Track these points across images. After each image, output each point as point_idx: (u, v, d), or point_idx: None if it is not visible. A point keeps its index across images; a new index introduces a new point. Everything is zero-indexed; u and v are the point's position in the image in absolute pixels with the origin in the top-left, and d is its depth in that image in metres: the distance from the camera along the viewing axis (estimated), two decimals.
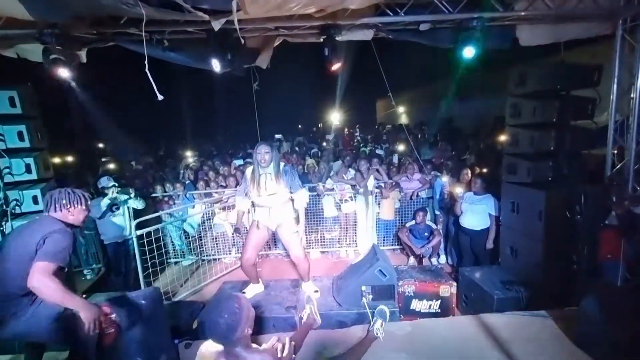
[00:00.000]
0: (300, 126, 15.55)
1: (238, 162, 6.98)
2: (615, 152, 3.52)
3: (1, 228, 3.14)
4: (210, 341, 1.55)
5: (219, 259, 5.37)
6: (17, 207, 3.23)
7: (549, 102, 3.33)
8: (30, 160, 3.30)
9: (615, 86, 3.39)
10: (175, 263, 5.38)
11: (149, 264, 3.93)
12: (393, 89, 4.74)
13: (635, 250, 2.99)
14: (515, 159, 3.61)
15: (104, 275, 4.90)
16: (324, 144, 9.07)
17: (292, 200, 3.12)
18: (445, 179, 4.90)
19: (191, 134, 14.11)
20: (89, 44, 3.47)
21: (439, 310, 3.35)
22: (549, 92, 3.37)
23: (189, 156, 9.00)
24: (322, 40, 3.40)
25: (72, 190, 2.15)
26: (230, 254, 5.40)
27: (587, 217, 3.17)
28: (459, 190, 4.29)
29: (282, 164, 3.03)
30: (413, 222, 4.80)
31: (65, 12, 2.51)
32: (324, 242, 5.47)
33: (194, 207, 5.23)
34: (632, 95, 3.30)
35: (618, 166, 3.48)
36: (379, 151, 7.37)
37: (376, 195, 5.07)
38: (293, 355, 1.64)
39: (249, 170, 3.07)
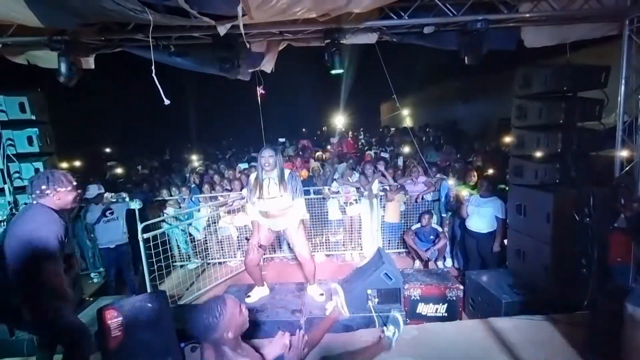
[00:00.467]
0: (304, 129, 15.60)
1: (243, 165, 7.03)
2: (624, 153, 3.48)
3: None
4: None
5: (224, 262, 5.38)
6: None
7: (555, 103, 3.31)
8: (39, 165, 3.36)
9: (622, 87, 3.35)
10: (181, 266, 5.41)
11: (155, 267, 3.95)
12: (397, 92, 4.74)
13: None
14: (522, 161, 3.58)
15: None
16: (328, 147, 9.08)
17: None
18: (451, 181, 4.88)
19: (196, 137, 14.24)
20: (97, 50, 3.53)
21: (446, 314, 3.32)
22: (555, 93, 3.34)
23: (194, 160, 9.08)
24: (325, 44, 3.41)
25: (50, 173, 2.07)
26: (235, 257, 5.41)
27: (595, 220, 3.12)
28: (464, 192, 4.27)
29: (287, 170, 3.03)
30: (419, 225, 4.78)
31: (75, 19, 2.55)
32: (329, 245, 5.46)
33: (199, 210, 5.26)
34: None
35: (627, 168, 3.43)
36: (383, 154, 7.37)
37: (381, 198, 5.06)
38: (305, 349, 1.63)
39: (253, 175, 3.08)
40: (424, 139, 8.46)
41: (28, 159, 3.35)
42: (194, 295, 4.41)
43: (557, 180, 3.39)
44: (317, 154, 7.85)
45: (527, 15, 3.21)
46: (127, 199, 4.48)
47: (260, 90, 4.62)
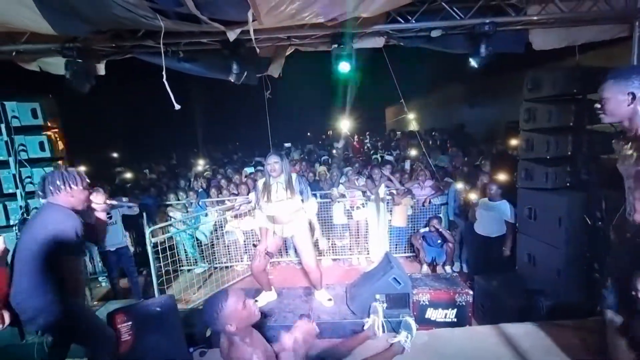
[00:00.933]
0: (309, 133, 15.65)
1: (249, 169, 7.05)
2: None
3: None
4: None
5: (231, 266, 5.38)
6: None
7: (565, 106, 3.27)
8: (50, 170, 3.40)
9: None
10: (188, 270, 5.42)
11: (163, 271, 3.97)
12: (402, 96, 4.74)
13: None
14: (532, 164, 3.55)
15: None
16: (334, 151, 9.09)
17: (304, 209, 3.11)
18: (459, 185, 4.84)
19: (202, 142, 14.34)
20: (107, 57, 3.58)
21: (455, 320, 3.27)
22: (564, 96, 3.31)
23: (201, 164, 9.13)
24: (332, 48, 3.43)
25: (65, 170, 2.05)
26: (242, 261, 5.41)
27: (608, 223, 3.07)
28: (473, 196, 4.23)
29: (294, 174, 3.03)
30: (427, 229, 4.74)
31: (87, 27, 2.60)
32: (335, 249, 5.44)
33: (206, 215, 5.28)
34: None
35: None
36: (388, 157, 7.36)
37: (388, 202, 5.04)
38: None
39: (261, 181, 3.08)
40: (430, 142, 8.44)
41: (39, 164, 3.40)
42: (201, 300, 4.42)
43: (568, 184, 3.34)
44: (323, 158, 7.84)
45: (535, 17, 3.20)
46: (125, 205, 4.50)
47: (267, 95, 4.65)
